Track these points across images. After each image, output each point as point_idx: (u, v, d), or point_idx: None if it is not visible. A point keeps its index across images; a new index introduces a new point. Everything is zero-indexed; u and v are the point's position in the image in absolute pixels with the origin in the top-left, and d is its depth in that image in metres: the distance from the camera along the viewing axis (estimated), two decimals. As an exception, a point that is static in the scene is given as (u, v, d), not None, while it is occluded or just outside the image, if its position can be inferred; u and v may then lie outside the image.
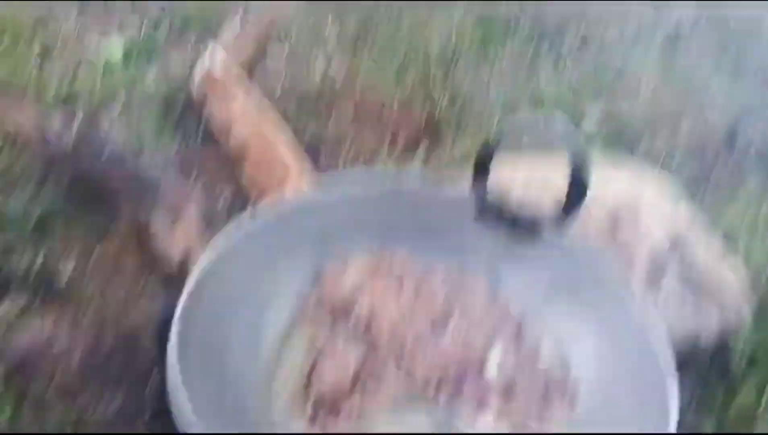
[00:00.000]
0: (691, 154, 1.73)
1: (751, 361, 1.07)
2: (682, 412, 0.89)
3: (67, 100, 1.58)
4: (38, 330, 1.00)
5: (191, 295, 0.89)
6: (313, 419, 0.93)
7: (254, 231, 1.04)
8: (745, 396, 1.06)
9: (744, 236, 1.37)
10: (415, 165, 1.59)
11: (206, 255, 0.94)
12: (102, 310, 1.09)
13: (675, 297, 1.10)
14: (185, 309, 0.87)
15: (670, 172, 1.56)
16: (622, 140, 1.75)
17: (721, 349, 1.09)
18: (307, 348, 1.01)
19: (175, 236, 1.20)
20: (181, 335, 0.86)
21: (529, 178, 1.27)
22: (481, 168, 1.12)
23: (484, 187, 1.13)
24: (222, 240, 0.98)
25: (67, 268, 1.16)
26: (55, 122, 1.42)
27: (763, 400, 1.06)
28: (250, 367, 0.96)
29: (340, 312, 1.05)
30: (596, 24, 2.12)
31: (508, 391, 0.97)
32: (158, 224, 1.22)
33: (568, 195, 1.04)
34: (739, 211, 1.51)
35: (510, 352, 1.02)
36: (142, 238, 1.24)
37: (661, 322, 0.99)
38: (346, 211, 1.12)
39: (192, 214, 1.26)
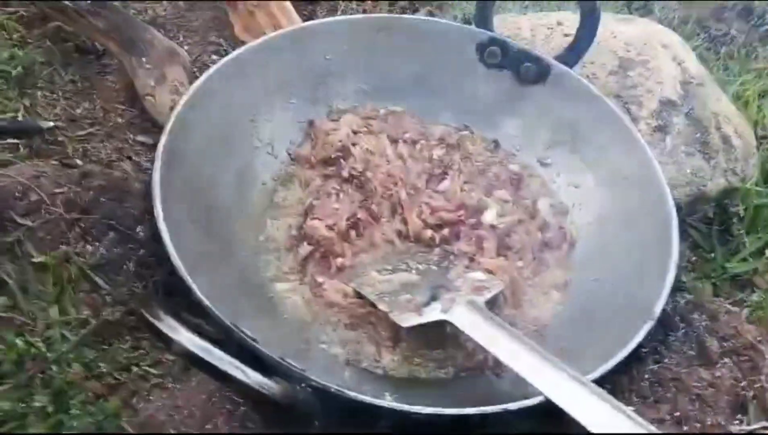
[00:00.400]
0: (704, 21, 1.64)
1: (752, 224, 1.05)
2: (678, 274, 0.88)
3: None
4: (25, 166, 0.96)
5: (172, 132, 0.84)
6: (302, 269, 0.91)
7: (240, 70, 0.98)
8: (742, 261, 1.04)
9: (755, 102, 1.31)
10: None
11: (188, 93, 0.88)
12: (89, 160, 1.05)
13: (680, 150, 1.06)
14: (167, 148, 0.83)
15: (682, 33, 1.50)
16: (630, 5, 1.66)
17: (723, 209, 1.06)
18: (299, 197, 0.99)
19: (162, 95, 1.15)
20: (164, 176, 0.82)
21: (536, 28, 1.21)
22: (484, 6, 1.05)
23: (490, 23, 1.06)
24: (207, 78, 0.92)
25: (51, 120, 1.11)
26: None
27: (760, 265, 1.04)
28: (239, 214, 0.93)
29: (334, 161, 1.01)
30: None
31: (505, 240, 0.95)
32: (145, 83, 1.16)
33: (576, 37, 0.98)
34: (751, 77, 1.44)
35: (508, 202, 1.00)
36: (129, 95, 1.19)
37: (664, 175, 0.96)
38: (340, 47, 1.05)
39: (180, 71, 1.19)
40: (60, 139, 1.11)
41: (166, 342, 0.52)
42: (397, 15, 1.06)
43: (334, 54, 1.04)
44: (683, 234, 0.99)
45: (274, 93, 1.01)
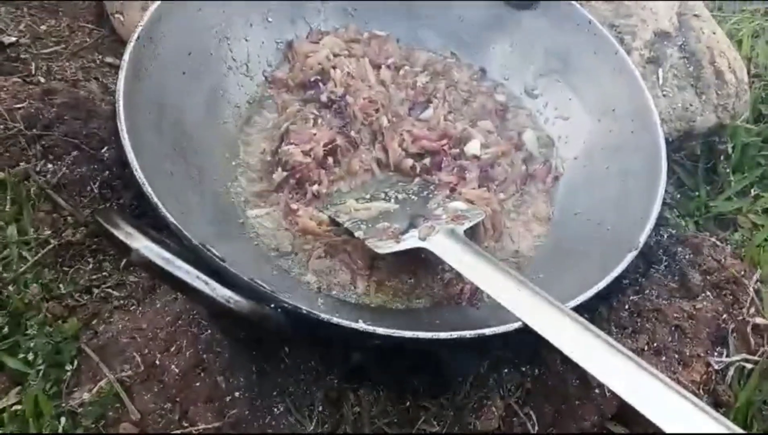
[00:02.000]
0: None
1: (739, 163, 1.02)
2: (662, 211, 0.85)
3: None
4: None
5: (138, 44, 0.78)
6: (276, 195, 0.87)
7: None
8: (727, 199, 1.02)
9: (747, 37, 1.28)
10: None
11: (155, 5, 0.82)
12: (53, 78, 0.99)
13: (672, 83, 1.03)
14: (132, 59, 0.77)
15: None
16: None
17: (710, 146, 1.04)
18: (275, 121, 0.94)
19: (131, 14, 1.08)
20: (129, 89, 0.75)
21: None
22: None
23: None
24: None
25: (15, 36, 1.04)
26: None
27: (744, 205, 1.02)
28: (210, 135, 0.88)
29: (313, 85, 0.96)
30: None
31: (488, 171, 0.92)
32: (114, 2, 1.09)
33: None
34: (745, 18, 1.40)
35: (493, 133, 0.96)
36: (97, 14, 1.12)
37: (654, 106, 0.92)
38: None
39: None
40: (23, 56, 1.04)
41: (124, 250, 0.49)
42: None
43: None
44: (669, 170, 0.96)
45: (251, 9, 0.95)
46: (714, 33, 1.08)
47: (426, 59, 1.03)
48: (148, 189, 0.67)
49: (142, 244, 0.49)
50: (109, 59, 1.10)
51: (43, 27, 1.11)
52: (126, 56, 0.77)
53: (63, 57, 1.06)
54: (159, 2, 0.83)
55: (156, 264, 0.48)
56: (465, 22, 1.03)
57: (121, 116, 0.70)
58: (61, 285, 0.76)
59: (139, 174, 0.67)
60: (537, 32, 1.00)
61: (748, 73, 1.11)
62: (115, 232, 0.49)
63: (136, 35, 0.79)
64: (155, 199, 0.67)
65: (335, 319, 0.63)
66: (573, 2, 0.97)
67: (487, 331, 0.66)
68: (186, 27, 0.87)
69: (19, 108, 0.88)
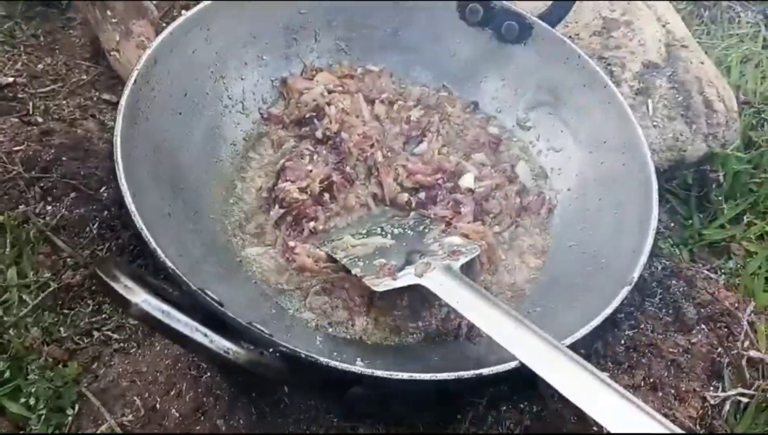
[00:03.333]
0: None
1: (731, 191, 1.04)
2: (656, 240, 0.86)
3: None
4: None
5: (135, 87, 0.79)
6: (273, 232, 0.87)
7: (208, 23, 0.92)
8: (720, 227, 1.03)
9: (737, 67, 1.30)
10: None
11: (152, 46, 0.84)
12: (51, 117, 1.00)
13: (664, 110, 1.04)
14: (129, 103, 0.78)
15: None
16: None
17: (702, 175, 1.05)
18: (271, 158, 0.95)
19: (128, 52, 1.09)
20: (126, 133, 0.76)
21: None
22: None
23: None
24: (172, 30, 0.87)
25: (12, 75, 1.06)
26: None
27: (737, 232, 1.03)
28: (206, 175, 0.89)
29: (308, 121, 0.97)
30: None
31: (483, 205, 0.93)
32: (110, 37, 1.10)
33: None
34: (734, 42, 1.42)
35: (487, 166, 0.97)
36: (94, 51, 1.13)
37: (644, 139, 0.93)
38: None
39: (147, 26, 1.14)
40: (20, 95, 1.05)
41: (123, 304, 0.49)
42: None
43: (309, 8, 1.00)
44: (661, 199, 0.98)
45: (246, 49, 0.97)
46: (702, 63, 1.09)
47: (419, 93, 1.04)
48: (146, 235, 0.68)
49: (141, 298, 0.49)
50: (106, 96, 1.11)
51: (40, 66, 1.12)
52: (123, 100, 0.78)
53: (60, 95, 1.07)
54: (154, 45, 0.85)
55: (156, 318, 0.49)
56: (456, 57, 1.05)
57: (119, 162, 0.71)
58: (61, 328, 0.76)
59: (137, 220, 0.68)
60: (528, 66, 1.02)
61: (737, 100, 1.13)
62: (115, 286, 0.50)
63: (132, 79, 0.80)
64: (153, 245, 0.67)
65: (333, 363, 0.64)
66: (563, 37, 0.99)
67: (485, 371, 0.66)
68: (181, 68, 0.88)
69: (18, 150, 0.89)
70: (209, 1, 0.91)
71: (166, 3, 1.25)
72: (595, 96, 0.97)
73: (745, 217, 1.05)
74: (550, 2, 1.01)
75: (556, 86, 1.00)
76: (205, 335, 0.50)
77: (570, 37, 1.05)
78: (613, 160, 0.94)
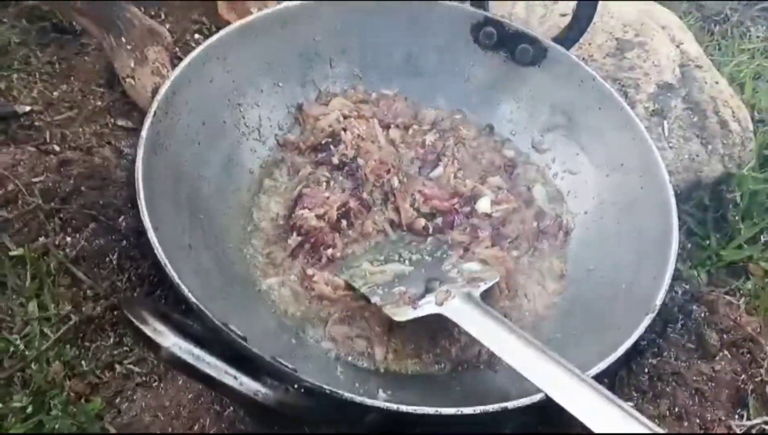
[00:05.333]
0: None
1: (748, 211, 1.03)
2: (675, 262, 0.85)
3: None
4: (0, 154, 0.91)
5: (155, 120, 0.80)
6: (291, 261, 0.87)
7: (225, 53, 0.92)
8: (737, 248, 1.03)
9: (750, 83, 1.29)
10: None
11: (171, 78, 0.84)
12: (68, 145, 1.01)
13: (680, 131, 1.04)
14: (150, 136, 0.79)
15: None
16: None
17: (719, 195, 1.05)
18: (287, 185, 0.95)
19: (143, 78, 1.10)
20: (147, 167, 0.77)
21: (531, 1, 1.17)
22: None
23: (485, 1, 1.03)
24: (189, 62, 0.87)
25: (28, 103, 1.06)
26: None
27: (755, 252, 1.03)
28: (225, 204, 0.89)
29: (324, 147, 0.97)
30: None
31: (500, 229, 0.93)
32: (125, 64, 1.11)
33: (574, 18, 0.95)
34: (745, 57, 1.42)
35: (503, 190, 0.97)
36: (109, 77, 1.14)
37: (662, 161, 0.93)
38: (330, 28, 1.01)
39: (161, 52, 1.14)
40: (37, 123, 1.06)
41: (154, 348, 0.49)
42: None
43: (323, 35, 1.00)
44: (678, 220, 0.97)
45: (261, 76, 0.97)
46: (717, 82, 1.09)
47: (434, 117, 1.04)
48: (170, 270, 0.68)
49: (171, 341, 0.49)
50: (121, 122, 1.11)
51: (56, 93, 1.13)
52: (144, 133, 0.79)
53: (76, 123, 1.08)
54: (173, 76, 0.85)
55: (186, 362, 0.49)
56: (471, 80, 1.05)
57: (141, 197, 0.72)
58: (83, 362, 0.76)
59: (161, 255, 0.68)
60: (542, 89, 1.02)
61: (752, 119, 1.12)
62: (144, 329, 0.50)
63: (152, 112, 0.81)
64: (177, 280, 0.68)
65: (358, 399, 0.64)
66: (577, 59, 0.99)
67: (510, 405, 0.66)
68: (199, 98, 0.89)
69: (37, 182, 0.89)
70: (226, 31, 0.91)
71: (180, 27, 1.26)
72: (610, 118, 0.97)
73: (762, 237, 1.05)
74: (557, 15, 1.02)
75: (571, 109, 1.00)
76: (235, 377, 0.50)
77: (584, 58, 1.06)
78: (631, 183, 0.93)
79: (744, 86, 1.28)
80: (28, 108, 1.06)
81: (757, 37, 1.54)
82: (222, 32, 0.92)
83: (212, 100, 0.91)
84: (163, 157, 0.81)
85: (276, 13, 0.98)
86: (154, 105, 0.81)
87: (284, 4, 0.98)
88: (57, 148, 1.00)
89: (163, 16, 1.29)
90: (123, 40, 1.13)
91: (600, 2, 0.96)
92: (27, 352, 0.76)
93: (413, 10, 1.02)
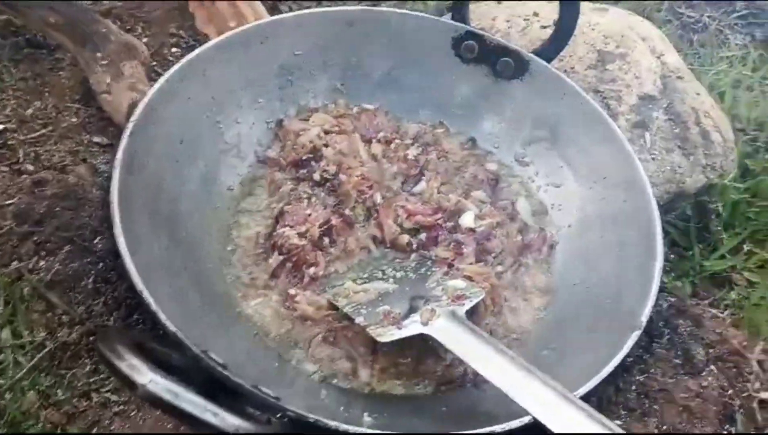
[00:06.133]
0: (676, 9, 1.63)
1: (730, 221, 1.03)
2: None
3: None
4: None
5: (131, 138, 0.78)
6: (273, 281, 0.86)
7: (203, 69, 0.91)
8: (720, 258, 1.03)
9: (730, 92, 1.30)
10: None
11: (148, 96, 0.82)
12: (42, 165, 0.98)
13: (662, 142, 1.04)
14: (126, 154, 0.77)
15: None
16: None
17: (701, 205, 1.05)
18: (268, 202, 0.94)
19: (120, 90, 1.08)
20: (123, 187, 0.75)
21: (512, 19, 1.17)
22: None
23: (466, 15, 1.02)
24: (166, 79, 0.86)
25: (1, 121, 1.04)
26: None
27: (738, 262, 1.03)
28: (204, 223, 0.87)
29: (305, 163, 0.96)
30: None
31: (484, 244, 0.92)
32: (100, 79, 1.09)
33: (556, 30, 0.95)
34: (724, 66, 1.43)
35: (486, 204, 0.97)
36: (84, 93, 1.12)
37: (644, 172, 0.93)
38: (310, 42, 1.00)
39: (138, 67, 1.12)
40: (10, 142, 1.03)
41: (129, 386, 0.48)
42: (368, 7, 1.00)
43: (303, 49, 0.99)
44: (663, 232, 0.97)
45: (240, 92, 0.96)
46: (698, 94, 1.10)
47: (416, 130, 1.03)
48: (147, 297, 0.66)
49: (147, 378, 0.48)
50: (97, 139, 1.09)
51: (30, 110, 1.10)
52: (119, 153, 0.77)
53: (51, 140, 1.05)
54: (150, 94, 0.84)
55: (164, 400, 0.47)
56: (452, 94, 1.04)
57: (116, 221, 0.70)
58: (58, 390, 0.74)
59: (138, 282, 0.66)
60: (525, 102, 1.01)
61: (733, 129, 1.13)
62: (119, 365, 0.48)
63: (128, 130, 0.79)
64: (154, 307, 0.66)
65: (343, 427, 0.62)
66: (559, 73, 0.99)
67: (498, 429, 0.65)
68: (177, 115, 0.87)
69: (10, 204, 0.87)
70: (204, 47, 0.90)
71: (157, 41, 1.24)
72: (593, 131, 0.97)
73: (745, 247, 1.05)
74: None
75: (553, 122, 1.00)
76: (215, 414, 0.49)
77: (565, 70, 1.05)
78: (615, 197, 0.93)
79: (724, 95, 1.29)
80: (1, 126, 1.03)
81: (736, 44, 1.56)
82: (200, 48, 0.91)
83: (191, 116, 0.89)
84: (139, 177, 0.80)
85: (253, 29, 0.96)
86: (131, 123, 0.80)
87: (265, 19, 0.97)
88: (30, 168, 0.97)
89: (140, 30, 1.26)
90: (98, 55, 1.10)
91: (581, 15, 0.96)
92: (1, 382, 0.74)
93: (394, 24, 1.01)
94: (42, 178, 0.92)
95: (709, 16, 1.65)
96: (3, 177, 0.92)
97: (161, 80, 0.86)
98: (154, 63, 1.20)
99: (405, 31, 1.01)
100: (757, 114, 1.26)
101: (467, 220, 0.94)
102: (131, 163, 0.78)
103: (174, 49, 1.25)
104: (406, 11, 1.03)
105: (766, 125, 1.22)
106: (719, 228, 1.05)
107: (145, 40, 1.22)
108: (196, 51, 0.90)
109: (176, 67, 0.88)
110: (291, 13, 0.98)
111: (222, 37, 0.93)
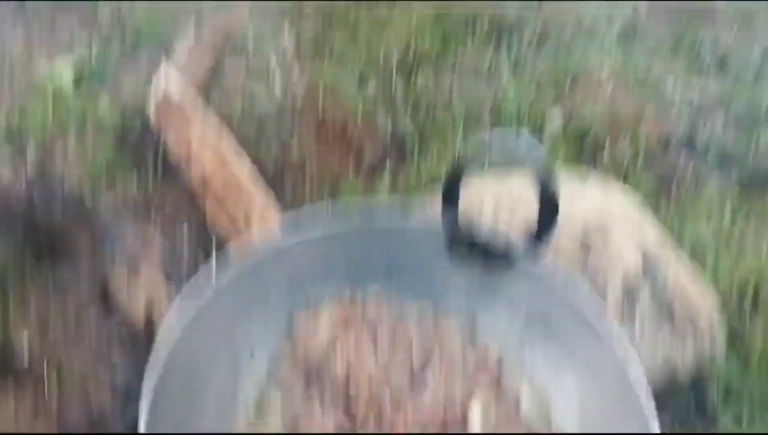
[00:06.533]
0: (652, 156, 1.73)
1: (726, 395, 1.07)
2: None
3: (16, 134, 1.50)
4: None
5: (158, 364, 0.84)
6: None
7: (219, 288, 0.98)
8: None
9: (711, 248, 1.37)
10: (383, 186, 1.55)
11: (171, 317, 0.89)
12: (65, 386, 1.03)
13: (650, 323, 1.10)
14: (153, 381, 0.83)
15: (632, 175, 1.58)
16: (584, 142, 1.75)
17: (697, 381, 1.09)
18: (283, 416, 0.98)
19: (136, 289, 1.15)
20: (151, 412, 0.81)
21: (499, 199, 1.25)
22: (450, 196, 1.08)
23: (455, 215, 1.10)
24: (186, 299, 0.93)
25: (24, 339, 1.09)
26: (3, 162, 1.36)
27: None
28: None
29: (315, 372, 1.01)
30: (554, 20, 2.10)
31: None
32: (118, 277, 1.16)
33: (540, 219, 1.01)
34: (703, 218, 1.51)
35: (491, 403, 1.01)
36: (102, 293, 1.18)
37: (638, 358, 0.97)
38: (315, 255, 1.08)
39: (153, 261, 1.20)
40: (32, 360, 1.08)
41: None
42: (368, 223, 1.10)
43: (310, 262, 1.07)
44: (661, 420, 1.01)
45: (254, 307, 1.02)
46: (679, 269, 1.16)
47: (416, 323, 1.09)
48: None
49: None
50: (117, 347, 1.14)
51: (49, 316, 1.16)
52: (145, 388, 0.83)
53: (74, 353, 1.10)
54: (173, 315, 0.90)
55: None
56: (449, 289, 1.10)
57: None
58: None
59: None
60: (516, 295, 1.07)
61: (717, 298, 1.18)
62: None
63: (152, 365, 0.85)
64: None
65: None
66: (549, 266, 1.05)
67: None
68: (196, 338, 0.93)
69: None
70: (212, 290, 0.97)
71: (169, 237, 1.31)
72: (583, 322, 1.02)
73: (743, 422, 1.09)
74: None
75: (545, 315, 1.04)
76: None
77: (552, 261, 1.11)
78: (610, 389, 0.98)
79: (705, 257, 1.35)
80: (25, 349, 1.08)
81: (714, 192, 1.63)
82: (210, 276, 0.98)
83: (207, 342, 0.95)
84: (164, 405, 0.84)
85: (260, 251, 1.05)
86: (151, 363, 0.85)
87: (268, 243, 1.05)
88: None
89: (153, 225, 1.34)
90: (115, 258, 1.18)
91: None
92: None
93: (390, 233, 1.10)
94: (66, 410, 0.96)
95: (683, 161, 1.74)
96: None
97: (174, 315, 0.92)
98: (168, 256, 1.27)
99: (400, 238, 1.10)
100: (740, 273, 1.33)
101: (474, 419, 0.98)
102: (155, 413, 0.83)
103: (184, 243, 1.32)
104: (401, 221, 1.10)
105: (748, 288, 1.28)
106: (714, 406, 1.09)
107: (157, 234, 1.30)
108: (210, 285, 0.97)
109: (188, 299, 0.94)
110: (293, 237, 1.06)
111: (241, 262, 1.01)
